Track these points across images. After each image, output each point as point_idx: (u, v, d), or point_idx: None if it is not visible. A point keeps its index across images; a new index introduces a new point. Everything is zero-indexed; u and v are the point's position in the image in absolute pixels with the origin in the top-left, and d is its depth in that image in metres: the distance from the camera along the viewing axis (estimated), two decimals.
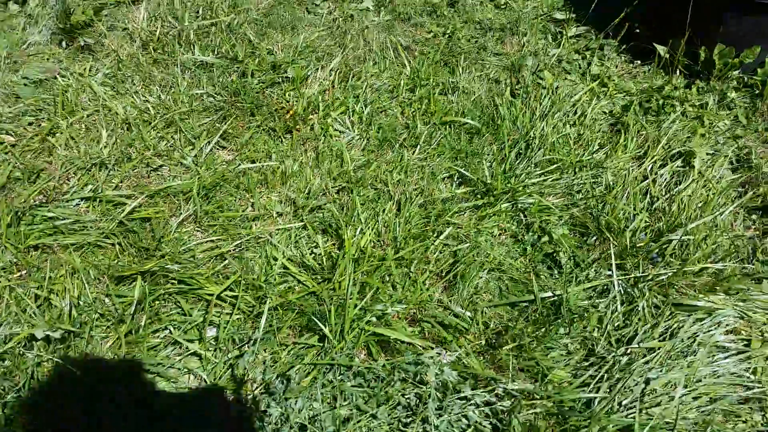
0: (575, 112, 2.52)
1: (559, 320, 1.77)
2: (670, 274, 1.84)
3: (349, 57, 2.85)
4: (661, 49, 2.80)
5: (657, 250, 1.93)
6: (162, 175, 2.26)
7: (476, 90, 2.67)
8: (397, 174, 2.26)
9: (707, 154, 2.33)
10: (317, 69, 2.75)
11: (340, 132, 2.49)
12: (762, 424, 1.62)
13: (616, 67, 2.92)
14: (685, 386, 1.60)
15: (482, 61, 2.80)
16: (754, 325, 1.79)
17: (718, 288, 1.83)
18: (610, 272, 1.88)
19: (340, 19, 3.12)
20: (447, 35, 2.99)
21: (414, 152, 2.38)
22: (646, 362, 1.65)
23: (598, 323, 1.79)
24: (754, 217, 2.14)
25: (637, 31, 2.91)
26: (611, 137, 2.43)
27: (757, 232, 2.11)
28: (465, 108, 2.54)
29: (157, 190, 2.13)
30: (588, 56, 2.93)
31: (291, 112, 2.50)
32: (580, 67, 2.88)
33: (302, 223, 2.07)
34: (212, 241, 2.00)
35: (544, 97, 2.57)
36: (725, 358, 1.71)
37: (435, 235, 2.04)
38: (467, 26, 3.04)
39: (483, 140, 2.40)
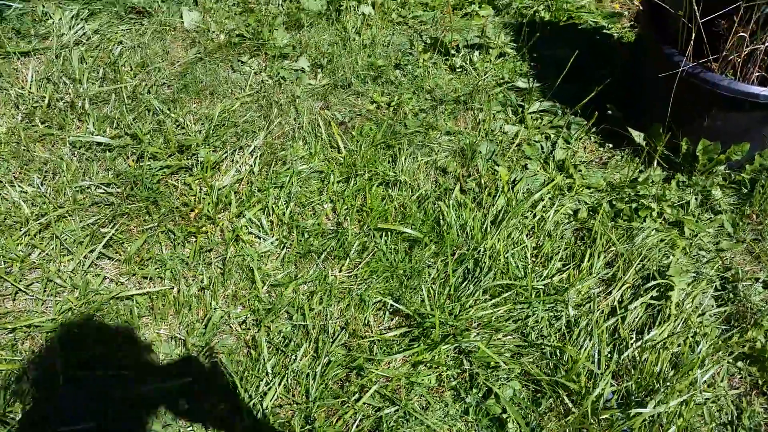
0: (534, 215, 2.20)
1: None
2: None
3: (275, 134, 2.52)
4: (636, 135, 2.55)
5: (626, 424, 1.63)
6: (29, 297, 1.90)
7: (421, 183, 2.34)
8: (319, 299, 1.93)
9: (687, 272, 2.04)
10: (234, 151, 2.39)
11: (255, 237, 2.14)
12: None
13: (585, 148, 2.63)
14: None
15: (430, 144, 2.49)
16: None
17: None
18: None
19: (270, 81, 2.78)
20: (392, 107, 2.66)
21: (342, 268, 2.05)
22: None
23: None
24: (740, 364, 1.86)
25: (610, 112, 2.63)
26: (575, 248, 2.15)
27: (743, 388, 1.82)
28: (406, 208, 2.24)
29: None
30: (552, 136, 2.64)
31: (197, 211, 2.15)
32: (542, 150, 2.59)
33: (188, 379, 1.72)
34: None
35: (499, 195, 2.25)
36: None
37: (358, 392, 1.71)
38: (416, 96, 2.73)
39: (424, 253, 2.08)
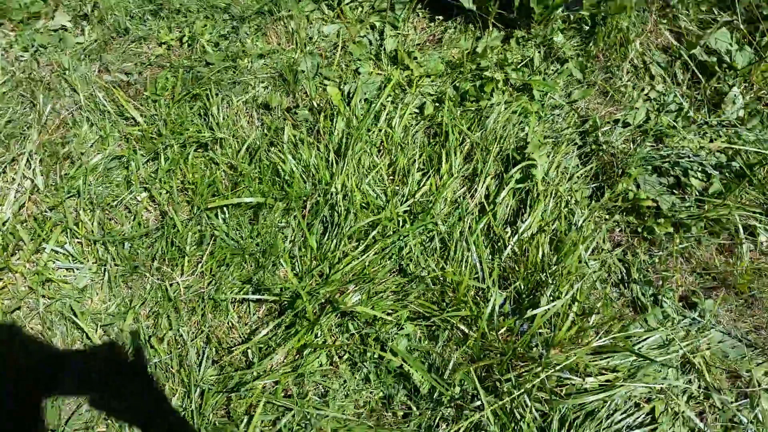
0: (380, 128, 1.93)
1: None
2: (547, 366, 1.46)
3: (50, 127, 2.02)
4: (465, 1, 2.23)
5: (522, 322, 1.53)
6: None
7: (246, 131, 1.98)
8: (167, 321, 1.63)
9: (545, 143, 1.88)
10: (4, 167, 1.90)
11: (67, 270, 1.76)
12: None
13: (416, 29, 2.32)
14: None
15: (242, 78, 2.09)
16: (653, 390, 1.50)
17: (601, 351, 1.56)
18: (476, 391, 1.45)
19: (26, 56, 2.20)
20: (186, 43, 2.20)
21: (183, 270, 1.72)
22: None
23: None
24: (617, 218, 1.78)
25: None
26: (431, 151, 1.93)
27: (625, 240, 1.76)
28: (236, 168, 1.93)
29: None
30: (378, 24, 2.30)
31: None
32: (371, 44, 2.26)
33: None
34: None
35: (336, 118, 1.95)
36: None
37: (246, 414, 1.49)
38: (212, 21, 2.26)
39: (273, 215, 1.79)
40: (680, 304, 1.75)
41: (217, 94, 2.11)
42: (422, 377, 1.58)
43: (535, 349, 1.56)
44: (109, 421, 1.59)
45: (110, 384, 1.64)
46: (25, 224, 1.86)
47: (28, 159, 1.99)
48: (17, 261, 1.80)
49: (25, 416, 1.58)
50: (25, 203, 1.89)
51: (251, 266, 1.78)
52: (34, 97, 2.13)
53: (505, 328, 1.61)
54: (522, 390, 1.48)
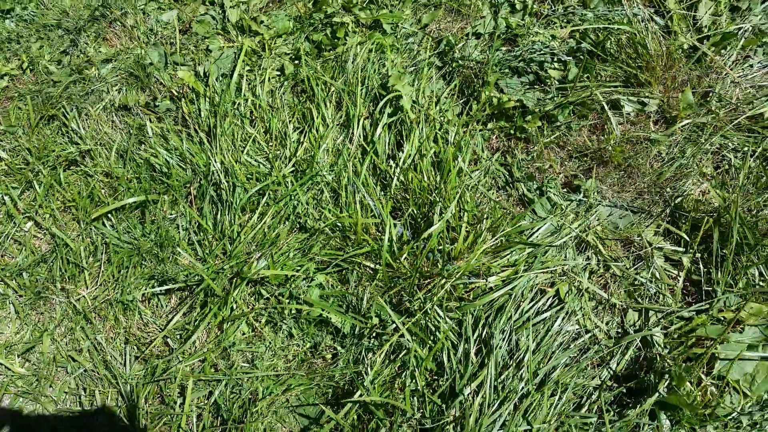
0: (245, 98, 1.99)
1: None
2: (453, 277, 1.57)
3: None
4: None
5: (420, 243, 1.64)
6: None
7: (112, 136, 1.97)
8: (81, 332, 1.66)
9: (405, 72, 1.98)
10: None
11: None
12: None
13: None
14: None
15: (93, 87, 2.07)
16: (555, 274, 1.63)
17: (499, 250, 1.67)
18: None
19: None
20: (28, 68, 2.15)
21: (87, 283, 1.74)
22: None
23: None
24: (491, 125, 1.90)
25: None
26: (303, 108, 2.05)
27: (502, 145, 1.88)
28: (110, 175, 1.95)
29: None
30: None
31: None
32: (214, 20, 2.29)
33: None
34: None
35: (198, 101, 1.97)
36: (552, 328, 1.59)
37: (179, 395, 1.55)
38: (47, 40, 2.21)
39: (159, 207, 1.82)
40: (564, 190, 1.87)
41: (72, 110, 2.07)
42: (341, 319, 1.66)
43: (439, 265, 1.66)
44: None
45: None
46: None
47: None
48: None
49: None
50: None
51: (151, 262, 1.80)
52: None
53: (406, 254, 1.71)
54: (432, 304, 1.59)
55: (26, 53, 2.23)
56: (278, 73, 2.17)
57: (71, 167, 1.98)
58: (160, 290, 1.74)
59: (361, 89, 2.01)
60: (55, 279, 1.79)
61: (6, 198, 1.93)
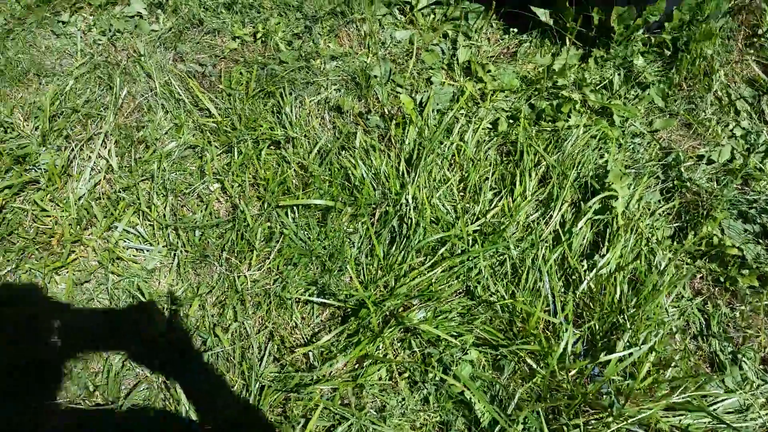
0: (452, 141, 1.93)
1: None
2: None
3: (126, 111, 2.05)
4: (541, 14, 2.24)
5: (595, 366, 1.51)
6: None
7: (317, 131, 1.99)
8: (232, 312, 1.65)
9: (627, 174, 1.85)
10: (82, 145, 1.94)
11: (137, 251, 1.78)
12: None
13: (489, 40, 2.31)
14: None
15: (315, 78, 2.10)
16: None
17: (674, 408, 1.50)
18: None
19: (103, 40, 2.24)
20: (259, 39, 2.22)
21: (250, 263, 1.75)
22: None
23: None
24: (699, 263, 1.74)
25: None
26: (503, 169, 1.93)
27: (707, 290, 1.71)
28: (306, 169, 1.97)
29: None
30: (451, 33, 2.29)
31: (57, 237, 1.75)
32: (443, 53, 2.25)
33: None
34: None
35: (408, 127, 1.95)
36: None
37: (303, 416, 1.50)
38: (285, 18, 2.28)
39: (341, 219, 1.80)
40: (761, 367, 1.68)
41: (290, 93, 2.12)
42: (484, 408, 1.57)
43: (606, 396, 1.53)
44: (167, 401, 1.61)
45: (172, 365, 1.67)
46: (98, 201, 1.90)
47: (103, 139, 2.02)
48: (89, 236, 1.84)
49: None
50: (99, 181, 1.93)
51: (317, 268, 1.79)
52: (111, 80, 2.17)
53: (576, 370, 1.58)
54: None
55: (262, 24, 2.31)
56: (490, 126, 2.11)
57: (272, 147, 2.01)
58: (319, 300, 1.72)
59: (573, 173, 1.91)
60: (224, 248, 1.81)
61: (206, 153, 1.98)
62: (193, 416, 1.58)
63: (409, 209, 1.84)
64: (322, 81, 2.19)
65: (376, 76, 2.20)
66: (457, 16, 2.42)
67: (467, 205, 1.92)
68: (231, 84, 2.16)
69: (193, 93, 2.13)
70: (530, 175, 1.95)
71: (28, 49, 2.28)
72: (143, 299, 1.74)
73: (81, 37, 2.33)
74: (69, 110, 2.09)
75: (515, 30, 2.40)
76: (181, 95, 2.12)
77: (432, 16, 2.45)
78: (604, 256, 1.78)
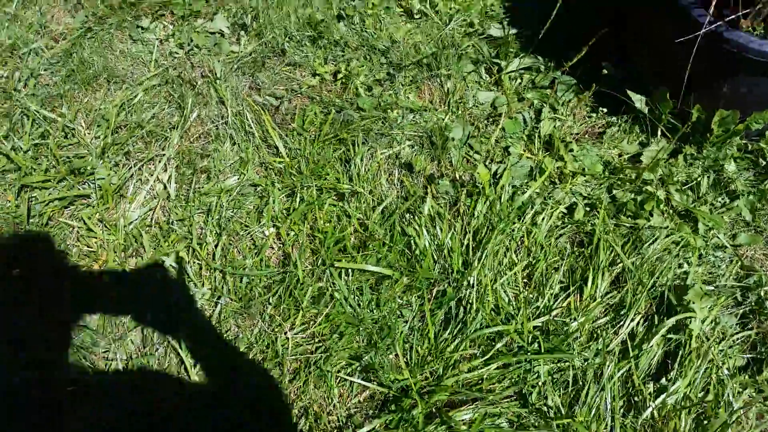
0: (523, 221, 1.82)
1: None
2: None
3: (192, 135, 1.99)
4: (637, 100, 2.13)
5: None
6: None
7: (383, 187, 1.90)
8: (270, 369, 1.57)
9: (708, 295, 1.71)
10: (141, 165, 1.88)
11: None
12: None
13: (575, 115, 2.19)
14: None
15: (390, 131, 2.01)
16: None
17: None
18: None
19: (180, 53, 2.19)
20: (340, 80, 2.14)
21: (294, 324, 1.65)
22: None
23: None
24: None
25: (605, 72, 2.16)
26: (574, 261, 1.82)
27: None
28: (367, 228, 1.87)
29: None
30: (536, 102, 2.18)
31: (100, 262, 1.68)
32: (525, 123, 2.14)
33: None
34: None
35: (479, 200, 1.84)
36: None
37: None
38: (368, 61, 2.20)
39: (395, 290, 1.69)
40: None
41: (363, 142, 2.03)
42: None
43: None
44: None
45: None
46: (149, 229, 1.83)
47: (165, 163, 1.95)
48: (133, 266, 1.77)
49: None
50: (154, 208, 1.86)
51: (363, 341, 1.69)
52: (183, 99, 2.11)
53: None
54: None
55: (345, 65, 2.23)
56: (565, 211, 1.99)
57: (335, 197, 1.92)
58: (361, 381, 1.61)
59: (649, 282, 1.78)
60: (269, 302, 1.72)
61: (268, 195, 1.90)
62: None
63: (471, 293, 1.72)
64: (396, 134, 2.10)
65: (453, 139, 2.09)
66: (545, 85, 2.31)
67: (530, 295, 1.80)
68: (304, 124, 2.09)
69: (264, 127, 2.06)
70: (603, 274, 1.82)
71: (103, 51, 2.24)
72: (175, 344, 1.66)
73: (157, 46, 2.28)
74: (134, 124, 2.04)
75: (604, 110, 2.28)
76: (251, 128, 2.05)
77: (519, 80, 2.34)
78: (672, 380, 1.64)
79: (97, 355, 1.65)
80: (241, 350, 1.67)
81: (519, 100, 2.29)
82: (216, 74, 2.20)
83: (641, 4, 2.20)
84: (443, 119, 2.18)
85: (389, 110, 2.17)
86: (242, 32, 2.34)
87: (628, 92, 2.19)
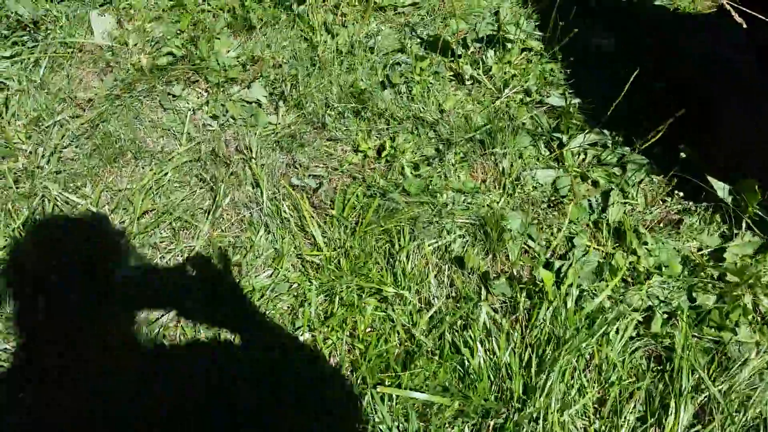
0: (593, 333, 1.59)
1: None
2: None
3: (224, 222, 1.81)
4: (719, 188, 1.87)
5: None
6: None
7: (432, 287, 1.69)
8: None
9: None
10: (168, 260, 1.71)
11: None
12: None
13: (646, 197, 1.95)
14: None
15: (439, 219, 1.80)
16: None
17: None
18: None
19: (213, 125, 2.03)
20: (384, 157, 1.94)
21: None
22: None
23: None
24: None
25: (683, 155, 1.92)
26: (651, 383, 1.60)
27: None
28: (413, 338, 1.64)
29: None
30: (602, 182, 1.95)
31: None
32: (591, 210, 1.91)
33: None
34: None
35: (541, 303, 1.61)
36: None
37: None
38: (415, 135, 2.00)
39: (444, 415, 1.48)
40: None
41: (410, 233, 1.82)
42: None
43: None
44: None
45: None
46: (172, 338, 1.65)
47: (194, 253, 1.78)
48: None
49: None
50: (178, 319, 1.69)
51: None
52: (215, 180, 1.94)
53: None
54: None
55: (390, 140, 2.03)
56: (641, 320, 1.74)
57: (378, 299, 1.72)
58: None
59: (741, 416, 1.52)
60: None
61: (304, 295, 1.71)
62: None
63: (535, 429, 1.49)
64: (446, 222, 1.89)
65: (510, 230, 1.87)
66: (613, 162, 2.08)
67: (603, 428, 1.56)
68: (344, 210, 1.89)
69: (301, 213, 1.87)
70: (686, 404, 1.57)
71: (132, 121, 2.09)
72: None
73: (190, 116, 2.12)
74: (161, 209, 1.87)
75: (680, 194, 2.03)
76: (287, 214, 1.86)
77: (582, 156, 2.11)
78: None
79: None
80: None
81: (582, 179, 2.06)
82: (252, 151, 2.02)
83: (732, 89, 1.96)
84: (498, 202, 1.97)
85: (438, 194, 1.96)
86: (281, 102, 2.17)
87: (709, 179, 1.95)
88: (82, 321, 1.65)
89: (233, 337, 1.65)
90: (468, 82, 2.29)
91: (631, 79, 1.89)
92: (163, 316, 1.68)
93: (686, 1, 2.53)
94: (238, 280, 1.74)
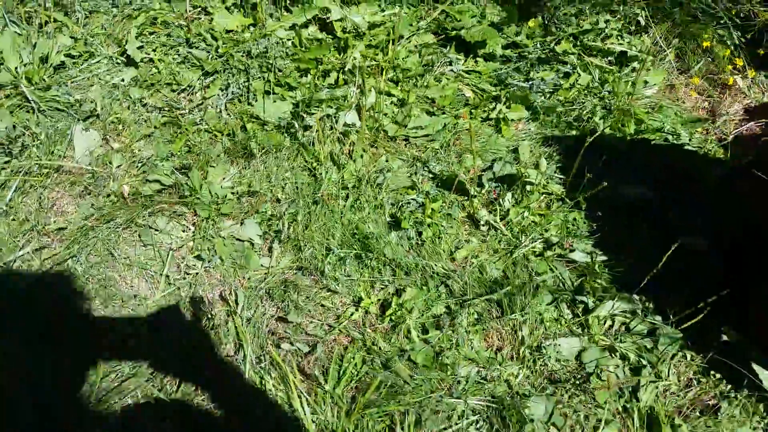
0: None
1: None
2: None
3: (199, 395, 1.52)
4: (765, 378, 1.61)
5: None
6: None
7: None
8: None
9: None
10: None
11: None
12: None
13: (678, 375, 1.70)
14: None
15: (448, 399, 1.53)
16: None
17: None
18: None
19: (197, 266, 1.79)
20: (388, 317, 1.69)
21: None
22: None
23: None
24: None
25: (725, 338, 1.70)
26: None
27: None
28: None
29: None
30: (632, 356, 1.71)
31: None
32: (620, 392, 1.65)
33: None
34: None
35: None
36: None
37: None
38: (424, 290, 1.76)
39: None
40: None
41: (416, 418, 1.56)
42: None
43: None
44: None
45: None
46: None
47: None
48: None
49: None
50: None
51: None
52: (193, 344, 1.67)
53: None
54: None
55: (396, 297, 1.79)
56: None
57: None
58: None
59: None
60: None
61: None
62: None
63: None
64: (458, 405, 1.63)
65: (532, 420, 1.61)
66: (643, 333, 1.85)
67: None
68: (339, 381, 1.63)
69: (288, 389, 1.60)
70: None
71: (105, 258, 1.84)
72: None
73: (172, 255, 1.88)
74: (125, 377, 1.59)
75: (717, 375, 1.79)
76: (271, 386, 1.59)
77: (610, 322, 1.88)
78: None
79: None
80: None
81: (610, 353, 1.82)
82: (237, 303, 1.77)
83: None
84: (516, 376, 1.72)
85: (448, 368, 1.71)
86: (276, 243, 1.94)
87: (754, 366, 1.72)
88: None
89: None
90: (483, 227, 2.08)
91: (673, 248, 1.69)
92: None
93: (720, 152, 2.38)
94: None
